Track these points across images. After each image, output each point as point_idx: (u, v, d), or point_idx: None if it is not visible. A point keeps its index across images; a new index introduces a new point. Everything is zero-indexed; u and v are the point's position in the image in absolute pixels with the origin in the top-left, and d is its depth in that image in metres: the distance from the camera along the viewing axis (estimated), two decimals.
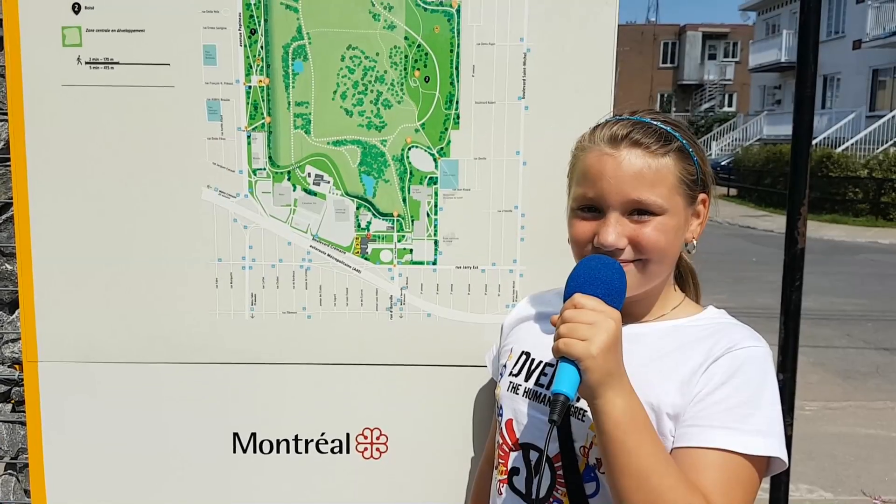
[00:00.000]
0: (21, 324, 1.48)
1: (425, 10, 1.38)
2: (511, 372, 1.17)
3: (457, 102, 1.40)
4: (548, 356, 1.12)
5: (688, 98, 41.81)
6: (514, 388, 1.15)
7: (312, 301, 1.47)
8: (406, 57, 1.39)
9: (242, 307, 1.47)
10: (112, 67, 1.40)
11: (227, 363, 1.48)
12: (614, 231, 1.01)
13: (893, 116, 19.58)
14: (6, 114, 1.63)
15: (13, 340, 1.77)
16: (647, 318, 1.10)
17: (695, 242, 1.09)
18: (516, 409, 1.14)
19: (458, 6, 1.37)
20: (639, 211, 1.02)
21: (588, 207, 1.05)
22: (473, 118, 1.40)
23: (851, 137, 19.95)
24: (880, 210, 15.69)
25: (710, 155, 30.75)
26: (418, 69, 1.39)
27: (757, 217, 16.80)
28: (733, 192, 21.61)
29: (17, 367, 1.76)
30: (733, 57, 41.45)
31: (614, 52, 1.39)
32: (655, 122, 1.06)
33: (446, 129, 1.41)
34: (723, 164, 25.25)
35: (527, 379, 1.14)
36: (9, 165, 1.69)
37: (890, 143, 18.90)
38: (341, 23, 1.38)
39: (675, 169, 1.03)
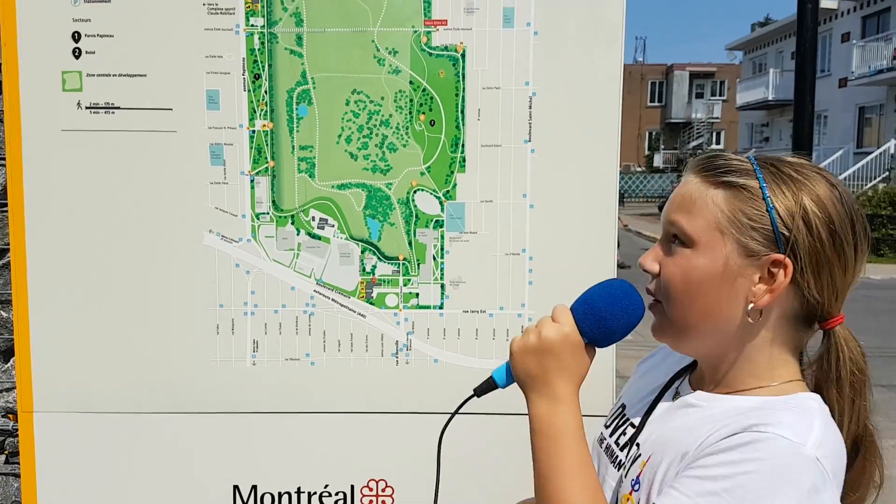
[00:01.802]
0: (16, 373, 1.44)
1: (430, 54, 1.37)
2: (605, 422, 1.12)
3: (462, 145, 1.39)
4: (638, 415, 1.04)
5: (676, 136, 42.27)
6: (601, 440, 1.10)
7: (316, 347, 1.44)
8: (411, 101, 1.38)
9: (244, 354, 1.44)
10: (113, 112, 1.39)
11: (228, 412, 1.44)
12: (651, 253, 0.96)
13: (881, 153, 19.84)
14: (4, 159, 1.61)
15: (7, 390, 1.72)
16: (716, 388, 0.95)
17: (759, 312, 0.88)
18: (596, 461, 1.07)
19: (464, 51, 1.37)
20: (675, 238, 0.94)
21: None
22: (479, 161, 1.39)
23: (840, 174, 20.15)
24: (871, 246, 15.79)
25: None
26: (423, 113, 1.38)
27: None
28: None
29: (11, 416, 1.72)
30: (720, 95, 42.03)
31: (620, 94, 1.39)
32: (739, 161, 0.92)
33: (452, 172, 1.40)
34: None
35: (612, 433, 1.08)
36: (6, 211, 1.67)
37: (878, 179, 19.10)
38: (346, 67, 1.38)
39: (724, 205, 0.89)
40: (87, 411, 1.44)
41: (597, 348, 0.97)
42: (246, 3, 1.37)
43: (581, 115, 1.38)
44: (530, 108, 1.38)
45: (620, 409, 1.10)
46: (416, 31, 1.37)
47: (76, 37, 1.37)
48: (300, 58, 1.38)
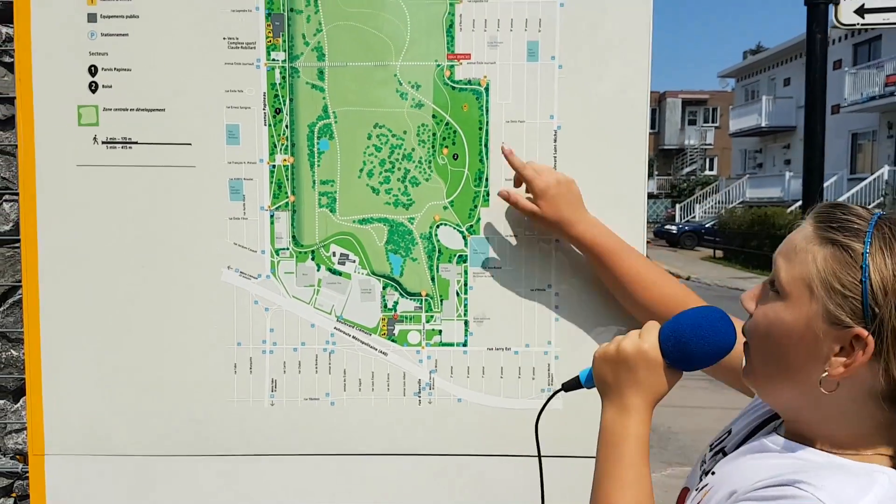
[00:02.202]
0: (27, 414, 1.40)
1: (453, 88, 1.35)
2: (711, 442, 1.10)
3: (486, 179, 1.37)
4: (733, 445, 1.02)
5: (669, 162, 42.55)
6: (703, 460, 1.07)
7: (336, 386, 1.40)
8: (434, 135, 1.36)
9: (262, 394, 1.40)
10: (130, 147, 1.37)
11: (245, 455, 1.40)
12: (752, 291, 0.94)
13: (875, 179, 19.99)
14: (16, 194, 1.59)
15: (17, 431, 1.68)
16: (795, 438, 0.91)
17: (836, 383, 0.83)
18: (695, 479, 1.05)
19: (487, 84, 1.35)
20: (773, 284, 0.90)
21: None
22: None
23: (835, 200, 20.27)
24: None
25: (694, 217, 31.11)
26: (447, 147, 1.36)
27: (745, 279, 16.86)
28: (719, 253, 21.77)
29: (19, 458, 1.67)
30: (713, 122, 42.41)
31: (647, 128, 1.37)
32: (859, 218, 0.85)
33: (476, 207, 1.37)
34: (707, 226, 25.57)
35: (712, 455, 1.05)
36: (17, 247, 1.64)
37: (873, 204, 19.21)
38: (368, 102, 1.36)
39: (822, 264, 0.84)
40: (100, 454, 1.39)
41: (683, 372, 0.97)
42: (267, 37, 1.35)
43: (607, 148, 1.36)
44: (555, 141, 1.36)
45: (726, 434, 1.06)
46: (439, 65, 1.35)
47: (93, 70, 1.35)
48: (322, 92, 1.36)
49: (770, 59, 30.65)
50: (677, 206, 33.72)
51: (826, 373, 0.83)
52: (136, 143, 1.36)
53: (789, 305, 0.86)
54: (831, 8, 2.49)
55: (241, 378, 1.40)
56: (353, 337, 1.40)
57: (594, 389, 1.02)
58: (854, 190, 20.07)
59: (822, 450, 0.87)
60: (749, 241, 19.43)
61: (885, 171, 20.58)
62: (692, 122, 42.73)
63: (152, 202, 1.37)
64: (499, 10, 1.35)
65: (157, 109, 1.36)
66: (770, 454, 0.90)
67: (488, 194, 1.37)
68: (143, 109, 1.36)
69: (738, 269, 18.79)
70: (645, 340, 0.96)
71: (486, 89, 1.36)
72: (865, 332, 0.80)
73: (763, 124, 28.96)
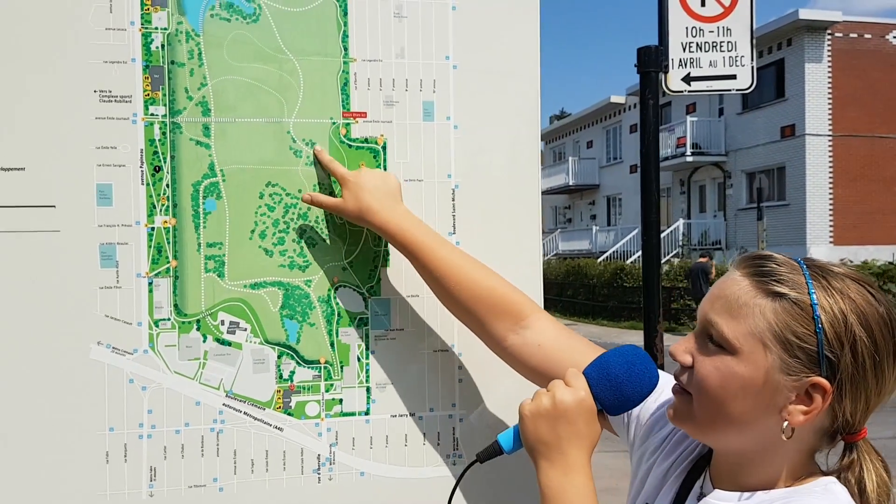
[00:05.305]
0: None
1: (350, 146, 1.31)
2: None
3: None
4: None
5: None
6: None
7: (225, 470, 1.28)
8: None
9: (139, 485, 1.25)
10: None
11: None
12: (684, 344, 0.93)
13: (671, 231, 21.99)
14: None
15: None
16: (736, 487, 0.93)
17: (792, 430, 0.86)
18: None
19: (384, 143, 1.33)
20: (711, 338, 0.90)
21: None
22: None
23: (636, 251, 22.05)
24: (671, 315, 17.21)
25: None
26: None
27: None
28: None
29: None
30: None
31: (539, 185, 1.40)
32: (791, 269, 0.88)
33: (376, 267, 1.33)
34: None
35: None
36: None
37: (671, 254, 21.10)
38: (259, 159, 1.28)
39: (772, 318, 0.86)
40: None
41: (609, 416, 0.97)
42: (145, 90, 1.24)
43: (504, 207, 1.37)
44: (453, 200, 1.36)
45: None
46: (334, 123, 1.31)
47: None
48: (208, 149, 1.27)
49: (574, 124, 33.17)
50: None
51: (786, 422, 0.86)
52: None
53: (742, 360, 0.87)
54: (661, 76, 2.72)
55: (114, 468, 1.24)
56: (245, 413, 1.29)
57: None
58: None
59: (766, 491, 0.90)
60: (565, 291, 20.55)
61: (680, 223, 22.72)
62: None
63: (7, 273, 1.20)
64: (393, 70, 1.33)
65: (16, 168, 1.20)
66: None
67: (388, 254, 1.33)
68: None
69: (557, 317, 19.73)
70: (579, 388, 0.94)
71: (384, 148, 1.33)
72: (826, 383, 0.84)
73: (570, 183, 31.11)
